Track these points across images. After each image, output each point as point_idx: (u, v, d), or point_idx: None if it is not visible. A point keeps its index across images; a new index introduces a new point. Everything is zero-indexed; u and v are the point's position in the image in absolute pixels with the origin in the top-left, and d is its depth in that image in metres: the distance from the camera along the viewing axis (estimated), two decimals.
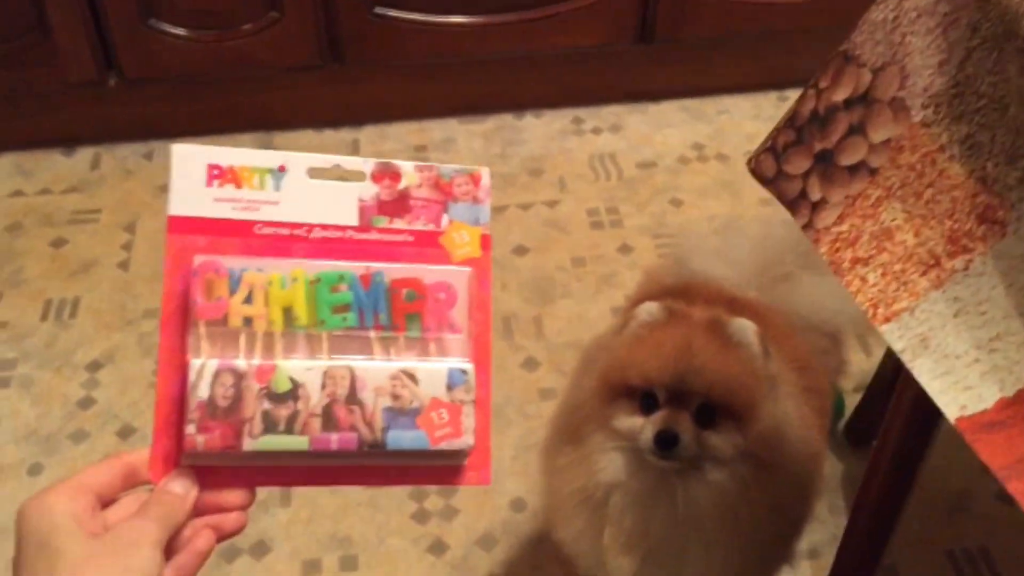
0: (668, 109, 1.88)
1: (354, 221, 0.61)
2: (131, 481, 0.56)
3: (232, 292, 0.58)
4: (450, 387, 0.59)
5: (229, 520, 0.58)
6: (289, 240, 0.60)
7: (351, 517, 1.27)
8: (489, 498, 1.30)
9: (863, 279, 0.65)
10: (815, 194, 0.70)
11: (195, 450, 0.56)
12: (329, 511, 1.27)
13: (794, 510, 0.93)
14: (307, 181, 0.61)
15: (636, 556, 0.90)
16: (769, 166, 0.73)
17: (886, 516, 0.93)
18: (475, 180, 0.63)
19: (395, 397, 0.59)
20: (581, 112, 1.86)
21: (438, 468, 0.60)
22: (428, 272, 0.61)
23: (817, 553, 1.22)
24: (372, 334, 0.60)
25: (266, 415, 0.57)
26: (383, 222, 0.62)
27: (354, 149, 1.80)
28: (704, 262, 1.06)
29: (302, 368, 0.58)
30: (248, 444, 0.57)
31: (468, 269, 0.61)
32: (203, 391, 0.56)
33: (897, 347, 0.64)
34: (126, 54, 1.67)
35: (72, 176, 1.75)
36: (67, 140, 1.80)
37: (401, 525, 1.26)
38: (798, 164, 0.72)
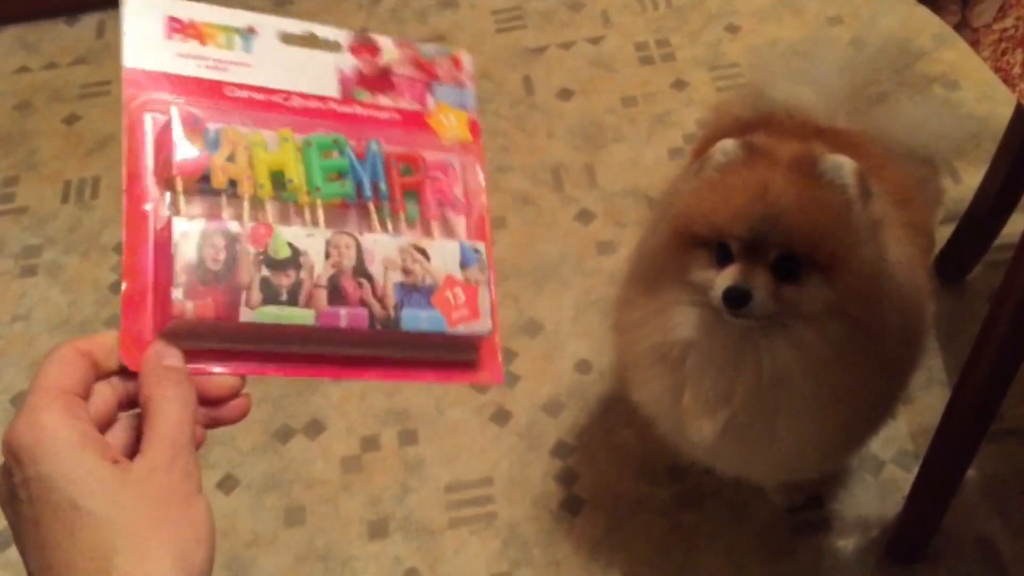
0: None
1: (335, 92, 0.55)
2: (97, 374, 0.46)
3: (211, 150, 0.50)
4: (464, 265, 0.53)
5: (227, 410, 0.49)
6: (265, 106, 0.53)
7: (406, 390, 1.20)
8: (551, 362, 1.22)
9: None
10: None
11: (183, 318, 0.46)
12: (383, 386, 1.20)
13: (899, 365, 0.83)
14: (280, 46, 0.55)
15: (718, 420, 0.81)
16: None
17: (1011, 354, 0.83)
18: (455, 63, 0.58)
19: (407, 272, 0.52)
20: None
21: (447, 363, 0.53)
22: (424, 150, 0.55)
23: (909, 398, 1.14)
24: (371, 206, 0.53)
25: (265, 283, 0.49)
26: (366, 96, 0.56)
27: None
28: (785, 88, 0.93)
29: (302, 234, 0.51)
30: (246, 315, 0.48)
31: (463, 153, 0.56)
32: (190, 253, 0.48)
33: None
34: None
35: (78, 46, 1.62)
36: (69, 8, 1.67)
37: (460, 395, 1.19)
38: None
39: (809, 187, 0.75)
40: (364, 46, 0.57)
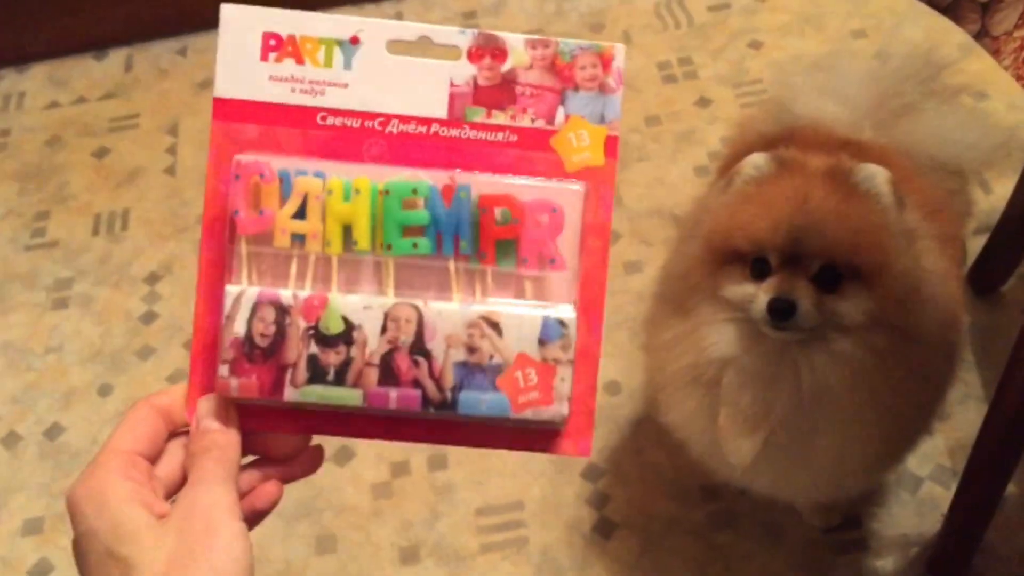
0: None
1: (442, 113, 0.50)
2: (170, 427, 0.48)
3: (282, 202, 0.48)
4: (543, 341, 0.48)
5: (297, 464, 0.50)
6: (359, 134, 0.49)
7: None
8: None
9: None
10: None
11: (228, 395, 0.47)
12: None
13: (936, 377, 0.81)
14: (386, 57, 0.49)
15: (757, 438, 0.80)
16: None
17: None
18: (605, 61, 0.50)
19: (471, 350, 0.48)
20: None
21: (526, 431, 0.49)
22: (529, 188, 0.48)
23: (946, 414, 1.12)
24: (452, 265, 0.49)
25: (312, 360, 0.47)
26: (479, 115, 0.50)
27: (398, 20, 1.66)
28: (809, 102, 0.93)
29: (359, 306, 0.48)
30: (290, 394, 0.47)
31: (581, 186, 0.49)
32: (239, 326, 0.47)
33: None
34: None
35: (107, 81, 1.64)
36: (97, 43, 1.69)
37: None
38: None
39: (846, 196, 0.74)
40: (487, 49, 0.50)
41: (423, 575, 1.08)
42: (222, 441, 0.46)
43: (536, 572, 1.07)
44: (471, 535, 1.10)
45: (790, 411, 0.78)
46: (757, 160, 0.77)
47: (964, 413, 1.12)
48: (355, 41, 0.50)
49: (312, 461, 0.50)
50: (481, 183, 0.49)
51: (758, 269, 0.76)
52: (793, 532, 1.07)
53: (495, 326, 0.48)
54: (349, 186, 0.48)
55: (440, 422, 0.49)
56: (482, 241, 0.48)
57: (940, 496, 1.07)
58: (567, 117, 0.50)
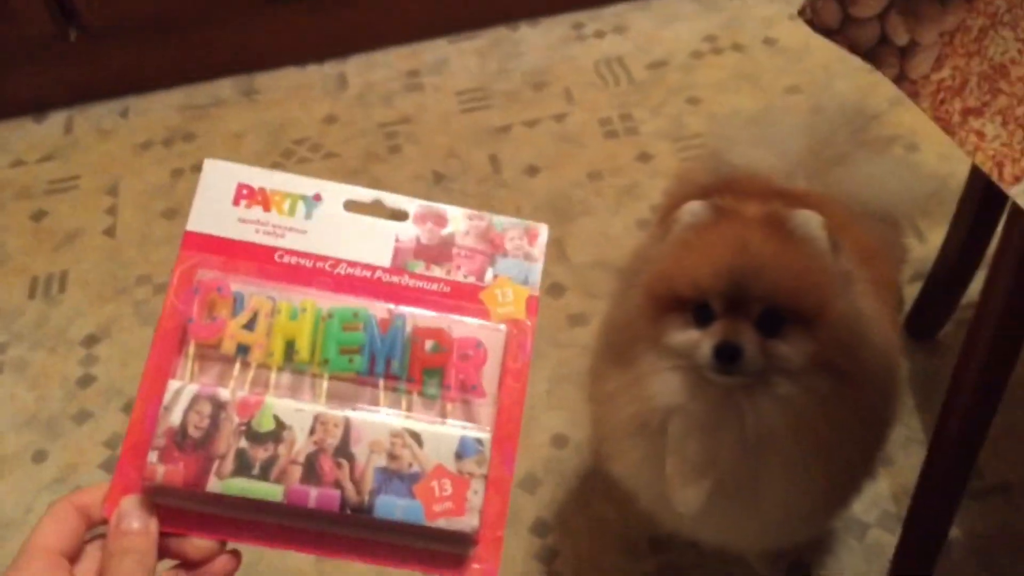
0: (674, 1, 1.74)
1: (386, 262, 0.56)
2: (90, 524, 0.49)
3: (234, 314, 0.53)
4: (460, 456, 0.51)
5: (210, 570, 0.50)
6: (311, 272, 0.55)
7: None
8: (528, 436, 1.20)
9: (980, 133, 0.54)
10: (900, 37, 0.58)
11: (153, 482, 0.49)
12: None
13: (877, 419, 0.82)
14: (342, 213, 0.56)
15: (704, 486, 0.79)
16: (831, 13, 0.61)
17: (982, 411, 0.83)
18: (531, 236, 0.57)
19: (392, 457, 0.51)
20: (580, 16, 1.73)
21: (437, 553, 0.51)
22: (459, 324, 0.54)
23: (890, 459, 1.13)
24: (381, 383, 0.53)
25: (241, 454, 0.50)
26: (419, 267, 0.56)
27: (341, 83, 1.67)
28: (744, 152, 0.94)
29: (292, 408, 0.51)
30: (214, 484, 0.49)
31: (504, 327, 0.54)
32: (175, 417, 0.50)
33: None
34: (83, 2, 1.53)
35: (45, 143, 1.63)
36: (36, 106, 1.68)
37: None
38: (870, 3, 0.59)
39: (783, 242, 0.75)
40: (431, 215, 0.57)
41: None
42: (141, 545, 0.47)
43: None
44: None
45: (736, 457, 0.78)
46: (694, 208, 0.78)
47: (907, 458, 1.12)
48: (317, 198, 0.56)
49: (227, 566, 0.50)
50: (416, 317, 0.54)
51: (701, 315, 0.76)
52: None
53: (416, 437, 0.51)
54: (296, 308, 0.53)
55: (357, 541, 0.51)
56: (412, 366, 0.53)
57: (886, 542, 1.07)
58: (495, 277, 0.56)
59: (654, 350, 0.79)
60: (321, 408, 0.52)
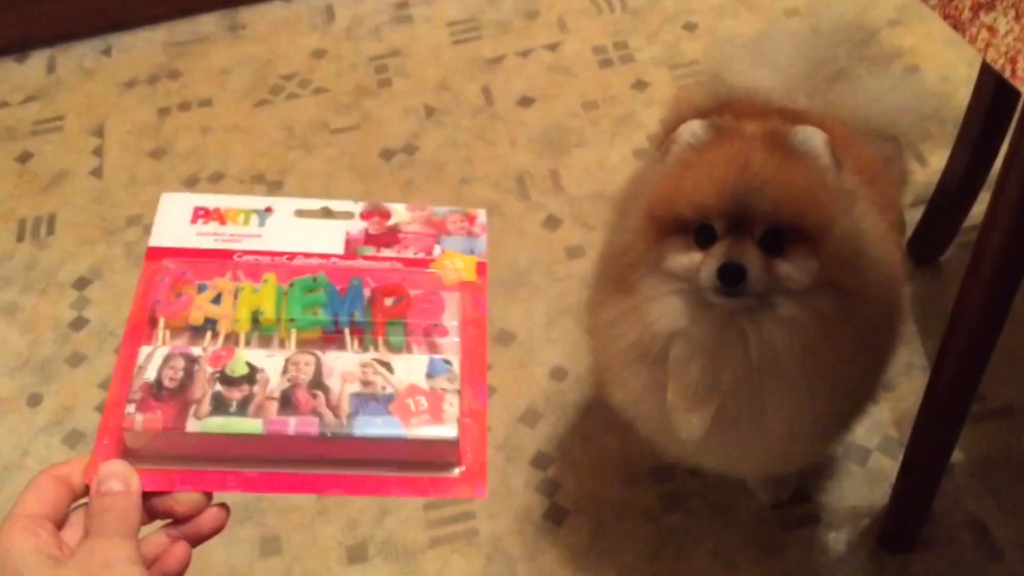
0: None
1: (339, 250, 0.60)
2: (71, 496, 0.50)
3: (199, 292, 0.56)
4: (430, 375, 0.54)
5: (200, 524, 0.51)
6: (269, 265, 0.59)
7: None
8: (526, 371, 1.19)
9: (991, 29, 0.51)
10: None
11: (133, 430, 0.50)
12: None
13: (881, 340, 0.81)
14: (294, 220, 0.61)
15: (706, 412, 0.78)
16: None
17: (986, 332, 0.81)
18: (470, 219, 0.62)
19: (365, 383, 0.53)
20: None
21: (423, 478, 0.53)
22: (414, 284, 0.58)
23: (891, 384, 1.12)
24: (347, 332, 0.56)
25: (216, 396, 0.52)
26: (370, 251, 0.60)
27: (328, 16, 1.63)
28: (743, 72, 0.92)
29: (262, 354, 0.54)
30: (192, 425, 0.51)
31: (458, 294, 0.58)
32: (150, 373, 0.52)
33: None
34: None
35: (28, 84, 1.59)
36: (18, 45, 1.64)
37: None
38: None
39: (786, 159, 0.73)
40: (375, 211, 0.62)
41: (371, 573, 1.05)
42: (123, 502, 0.48)
43: (487, 563, 1.05)
44: (420, 530, 1.08)
45: (739, 381, 0.77)
46: (693, 127, 0.75)
47: (909, 383, 1.12)
48: (269, 210, 0.61)
49: (217, 519, 0.52)
50: (373, 278, 0.58)
51: (702, 237, 0.75)
52: (744, 510, 1.06)
53: (386, 365, 0.54)
54: (258, 285, 0.57)
55: (340, 477, 0.53)
56: (375, 318, 0.56)
57: (888, 467, 1.07)
58: (442, 251, 0.60)
59: (654, 275, 0.78)
60: (291, 351, 0.54)
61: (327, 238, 0.60)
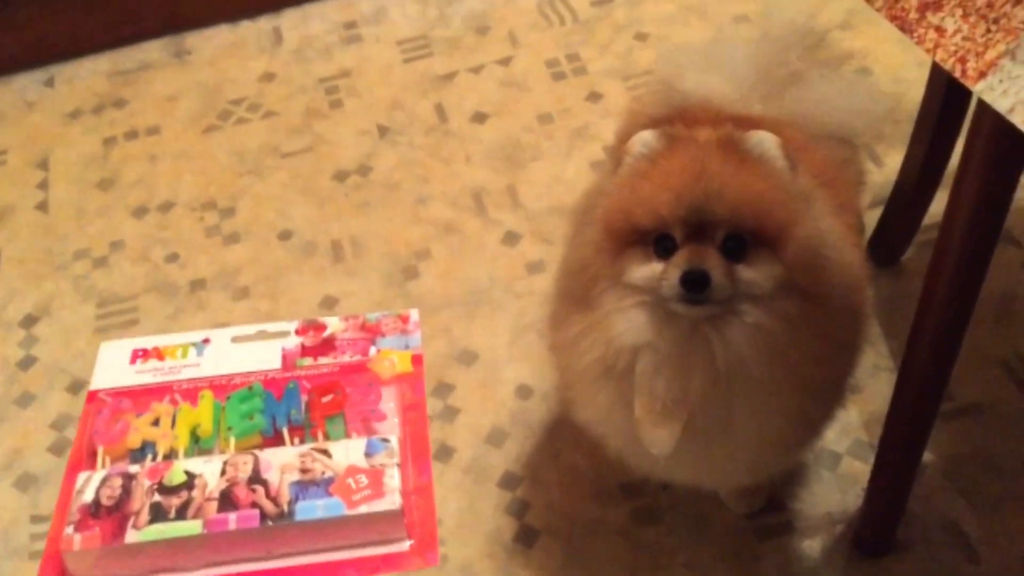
0: None
1: (277, 365, 0.65)
2: None
3: (136, 418, 0.59)
4: (369, 454, 0.57)
5: None
6: (206, 386, 0.62)
7: None
8: (491, 390, 1.17)
9: (939, 29, 0.50)
10: None
11: (72, 551, 0.51)
12: None
13: (847, 343, 0.80)
14: (230, 346, 0.66)
15: (675, 426, 0.77)
16: None
17: (952, 330, 0.81)
18: (403, 319, 0.70)
19: (304, 471, 0.56)
20: None
21: (374, 556, 0.55)
22: (350, 382, 0.61)
23: (858, 387, 1.11)
24: (286, 432, 0.59)
25: (155, 506, 0.53)
26: (307, 361, 0.65)
27: (276, 38, 1.61)
28: (695, 79, 0.91)
29: (200, 461, 0.56)
30: (132, 536, 0.52)
31: (395, 387, 0.62)
32: (87, 495, 0.54)
33: (1003, 107, 0.49)
34: None
35: None
36: None
37: None
38: None
39: (741, 164, 0.73)
40: (310, 326, 0.68)
41: None
42: None
43: None
44: None
45: (707, 391, 0.76)
46: (645, 137, 0.75)
47: (876, 385, 1.11)
48: (206, 341, 0.66)
49: None
50: (308, 379, 0.61)
51: (662, 247, 0.74)
52: (718, 522, 1.04)
53: (324, 452, 0.57)
54: (195, 406, 0.59)
55: (285, 570, 0.54)
56: (312, 416, 0.59)
57: (860, 471, 1.06)
58: (378, 351, 0.66)
59: (615, 288, 0.76)
60: (229, 455, 0.57)
61: (264, 356, 0.65)
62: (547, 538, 1.05)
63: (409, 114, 1.48)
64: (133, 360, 0.64)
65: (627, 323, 0.75)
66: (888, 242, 1.19)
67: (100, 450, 0.55)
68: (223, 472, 0.54)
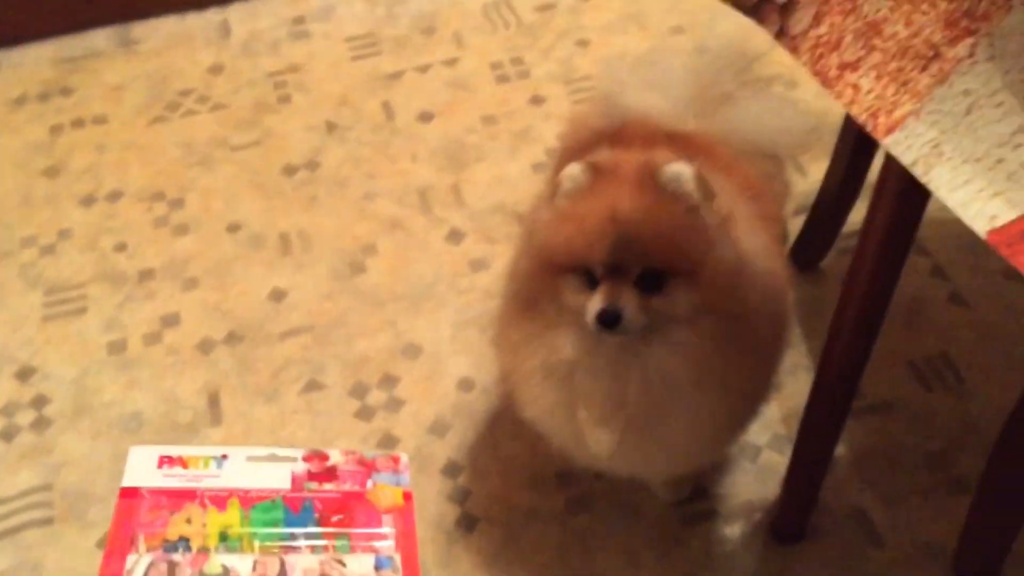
0: None
1: (287, 486, 0.76)
2: None
3: (172, 515, 0.71)
4: (378, 567, 0.70)
5: None
6: (228, 497, 0.74)
7: (290, 425, 1.18)
8: (434, 383, 1.22)
9: (855, 87, 0.57)
10: None
11: None
12: (266, 423, 1.18)
13: (769, 348, 0.87)
14: (246, 463, 0.77)
15: (615, 428, 0.84)
16: None
17: (866, 332, 0.88)
18: (395, 460, 0.82)
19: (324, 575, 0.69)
20: None
21: None
22: (356, 508, 0.75)
23: (779, 384, 1.19)
24: (303, 542, 0.71)
25: None
26: (313, 486, 0.77)
27: (224, 31, 1.63)
28: (635, 96, 0.97)
29: (235, 557, 0.69)
30: None
31: (392, 525, 0.75)
32: (137, 574, 0.65)
33: (907, 160, 0.56)
34: None
35: None
36: None
37: (345, 426, 1.18)
38: None
39: (655, 201, 0.78)
40: (315, 455, 0.79)
41: None
42: None
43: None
44: None
45: (642, 398, 0.82)
46: (572, 171, 0.80)
47: (795, 383, 1.19)
48: (225, 457, 0.77)
49: None
50: (320, 499, 0.75)
51: (588, 280, 0.80)
52: (647, 509, 1.11)
53: (340, 561, 0.70)
54: (223, 511, 0.72)
55: None
56: (324, 532, 0.72)
57: (778, 463, 1.13)
58: (374, 484, 0.78)
59: (554, 306, 0.82)
60: (258, 554, 0.69)
61: (276, 477, 0.76)
62: (486, 524, 1.10)
63: (357, 111, 1.51)
64: (160, 465, 0.74)
65: (564, 339, 0.82)
66: (810, 248, 1.26)
67: (141, 538, 0.67)
68: (254, 568, 0.66)
